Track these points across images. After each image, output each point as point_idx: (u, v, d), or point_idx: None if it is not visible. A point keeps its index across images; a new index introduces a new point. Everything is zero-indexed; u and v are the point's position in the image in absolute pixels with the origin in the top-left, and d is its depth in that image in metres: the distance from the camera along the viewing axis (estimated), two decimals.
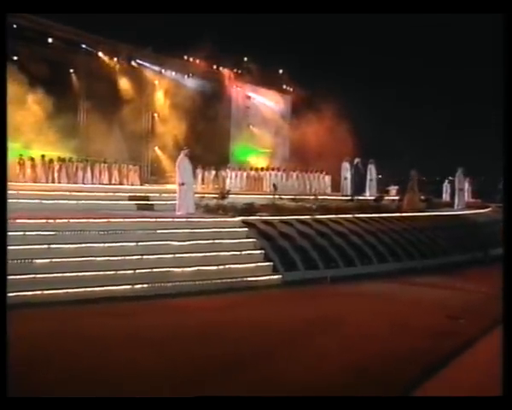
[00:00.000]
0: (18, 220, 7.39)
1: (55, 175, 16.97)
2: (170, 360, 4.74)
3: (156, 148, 21.38)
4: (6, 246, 3.36)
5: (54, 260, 6.92)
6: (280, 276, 8.04)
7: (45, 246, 7.07)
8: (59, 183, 16.55)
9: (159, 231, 8.12)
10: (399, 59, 22.73)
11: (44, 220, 7.59)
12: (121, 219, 8.17)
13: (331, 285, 8.11)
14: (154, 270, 7.37)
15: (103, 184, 17.32)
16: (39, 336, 5.23)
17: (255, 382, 4.26)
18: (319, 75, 21.59)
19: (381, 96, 22.62)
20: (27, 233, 7.16)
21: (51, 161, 17.17)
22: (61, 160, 17.14)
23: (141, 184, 18.13)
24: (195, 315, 6.35)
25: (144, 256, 7.53)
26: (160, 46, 20.30)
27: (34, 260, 6.81)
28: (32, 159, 16.90)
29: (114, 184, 17.43)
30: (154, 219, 8.56)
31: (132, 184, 17.91)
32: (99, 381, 4.22)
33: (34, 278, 6.59)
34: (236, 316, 6.33)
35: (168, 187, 17.16)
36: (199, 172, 18.87)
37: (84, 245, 7.33)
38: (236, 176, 19.56)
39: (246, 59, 23.92)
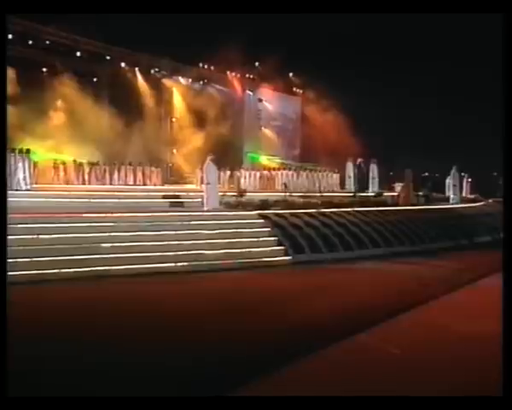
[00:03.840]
0: (85, 215, 9.97)
1: (86, 177, 19.58)
2: (212, 301, 7.29)
3: (174, 150, 23.93)
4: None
5: (115, 244, 9.45)
6: (290, 257, 10.50)
7: (107, 234, 9.60)
8: (89, 184, 19.18)
9: (192, 223, 10.64)
10: (403, 59, 24.61)
11: (104, 214, 10.15)
12: (162, 214, 10.74)
13: (331, 264, 10.55)
14: (191, 252, 9.86)
15: (129, 184, 19.92)
16: (124, 294, 7.79)
17: (272, 316, 6.73)
18: (328, 78, 23.70)
19: (387, 95, 24.52)
20: (93, 224, 9.71)
21: (81, 164, 19.77)
22: (91, 163, 19.73)
23: (162, 185, 20.67)
24: (226, 282, 8.85)
25: (182, 241, 10.02)
26: (176, 55, 22.84)
27: (101, 244, 9.35)
28: (64, 163, 19.52)
29: (139, 185, 20.03)
30: (187, 213, 11.11)
31: (155, 185, 20.45)
32: (166, 312, 6.74)
33: (102, 257, 9.11)
34: (258, 283, 8.85)
35: (186, 187, 19.76)
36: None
37: (136, 233, 9.86)
38: (250, 176, 21.96)
39: (257, 64, 26.34)
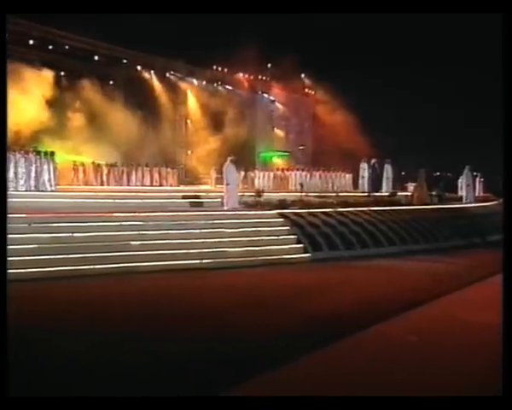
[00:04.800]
0: (113, 214, 10.63)
1: (104, 179, 20.32)
2: (238, 295, 7.88)
3: (189, 152, 24.63)
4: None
5: (143, 242, 10.09)
6: (309, 255, 11.08)
7: (136, 232, 10.25)
8: (107, 185, 19.90)
9: (215, 222, 11.26)
10: (414, 59, 25.01)
11: (132, 214, 10.80)
12: (186, 213, 11.38)
13: (349, 262, 11.11)
14: (214, 249, 10.47)
15: (145, 185, 20.62)
16: (155, 288, 8.42)
17: (294, 309, 7.31)
18: (339, 79, 24.21)
19: (398, 96, 24.95)
20: (123, 223, 10.36)
21: (99, 165, 20.51)
22: (109, 165, 20.46)
23: (178, 186, 21.35)
24: (249, 278, 9.44)
25: (206, 240, 10.64)
26: (191, 58, 23.52)
27: (130, 242, 9.99)
28: (83, 164, 20.26)
29: (155, 186, 20.73)
30: (209, 213, 11.73)
31: (171, 186, 21.15)
32: (194, 305, 7.36)
33: (132, 254, 9.75)
34: (279, 278, 9.44)
35: (202, 187, 20.40)
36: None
37: (162, 232, 10.50)
38: (264, 176, 22.58)
39: (269, 65, 26.99)
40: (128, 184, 20.26)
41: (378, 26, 22.29)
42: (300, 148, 27.95)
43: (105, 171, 20.22)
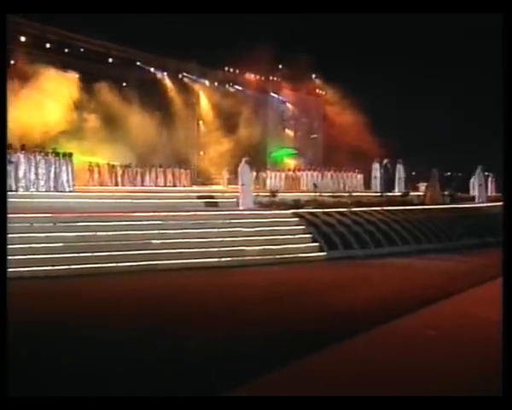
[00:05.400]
0: (134, 214, 11.00)
1: (119, 179, 20.76)
2: (257, 291, 8.21)
3: (201, 153, 25.01)
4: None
5: (163, 240, 10.44)
6: (325, 253, 11.38)
7: (156, 231, 10.61)
8: (122, 185, 20.33)
9: (232, 221, 11.60)
10: (425, 57, 25.17)
11: (151, 213, 11.17)
12: (204, 213, 11.73)
13: (364, 260, 11.40)
14: (232, 248, 10.80)
15: (159, 186, 21.02)
16: (176, 285, 8.76)
17: (312, 304, 7.61)
18: (350, 79, 24.46)
19: (409, 96, 25.13)
20: (144, 222, 10.73)
21: (114, 166, 20.95)
22: (124, 165, 20.89)
23: (190, 186, 21.75)
24: (267, 275, 9.76)
25: (224, 238, 10.97)
26: (203, 59, 23.90)
27: (151, 241, 10.35)
28: (98, 165, 20.71)
29: (169, 186, 21.13)
30: (226, 213, 12.07)
31: (184, 186, 21.56)
32: (215, 301, 7.68)
33: (153, 253, 10.10)
34: (296, 275, 9.75)
35: (213, 188, 20.75)
36: None
37: (181, 231, 10.85)
38: (275, 177, 22.94)
39: (280, 66, 27.30)
40: (142, 185, 20.70)
41: (389, 26, 22.46)
42: (312, 137, 28.24)
43: (119, 172, 20.67)
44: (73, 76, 19.66)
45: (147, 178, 20.95)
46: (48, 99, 17.53)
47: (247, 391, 4.27)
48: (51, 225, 9.85)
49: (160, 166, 21.42)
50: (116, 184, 20.29)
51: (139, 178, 21.04)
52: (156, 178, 21.23)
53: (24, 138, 15.46)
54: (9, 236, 9.36)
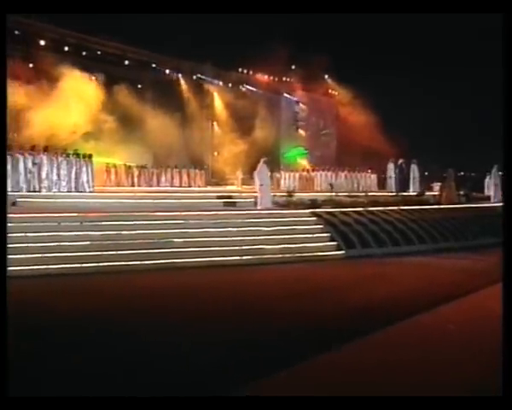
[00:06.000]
0: (157, 213, 11.33)
1: (135, 180, 21.13)
2: (278, 288, 8.47)
3: (215, 153, 25.35)
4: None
5: (186, 239, 10.75)
6: (343, 252, 11.62)
7: (178, 230, 10.92)
8: (138, 186, 20.70)
9: (252, 220, 11.89)
10: (438, 58, 25.27)
11: (173, 213, 11.49)
12: (224, 212, 12.04)
13: (382, 258, 11.62)
14: (252, 246, 11.07)
15: (175, 186, 21.36)
16: (201, 282, 9.07)
17: (333, 300, 7.86)
18: (363, 79, 24.63)
19: (422, 96, 25.24)
20: (165, 222, 11.05)
21: (130, 167, 21.32)
22: (140, 166, 21.26)
23: (205, 186, 22.08)
24: (288, 273, 10.03)
25: (244, 237, 11.25)
26: (217, 61, 24.22)
27: (174, 239, 10.66)
28: (115, 166, 21.09)
29: (184, 187, 21.47)
30: (246, 212, 12.36)
31: (199, 186, 21.89)
32: (239, 297, 7.95)
33: (176, 251, 10.40)
34: (316, 273, 10.01)
35: (227, 188, 21.04)
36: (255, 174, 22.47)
37: (203, 230, 11.14)
38: (289, 177, 23.18)
39: (293, 66, 27.55)
40: (158, 185, 21.06)
41: (402, 26, 22.59)
42: (324, 132, 28.41)
43: (136, 172, 21.04)
44: (91, 78, 20.06)
45: (163, 178, 21.31)
46: (68, 101, 17.93)
47: (268, 384, 4.46)
48: (78, 224, 10.19)
49: (176, 167, 21.78)
50: (132, 185, 20.65)
51: (155, 178, 21.40)
52: (172, 178, 21.57)
53: (47, 140, 15.92)
54: (38, 234, 9.75)
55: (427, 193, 19.08)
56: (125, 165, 20.98)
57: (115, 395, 4.00)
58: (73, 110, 17.92)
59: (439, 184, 21.86)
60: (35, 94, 17.12)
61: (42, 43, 18.94)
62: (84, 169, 15.35)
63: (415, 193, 18.70)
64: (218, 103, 25.26)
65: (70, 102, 17.88)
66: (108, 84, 20.81)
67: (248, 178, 23.36)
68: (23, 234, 9.55)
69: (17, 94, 15.87)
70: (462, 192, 18.16)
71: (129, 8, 5.90)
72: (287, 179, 22.98)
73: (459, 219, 14.31)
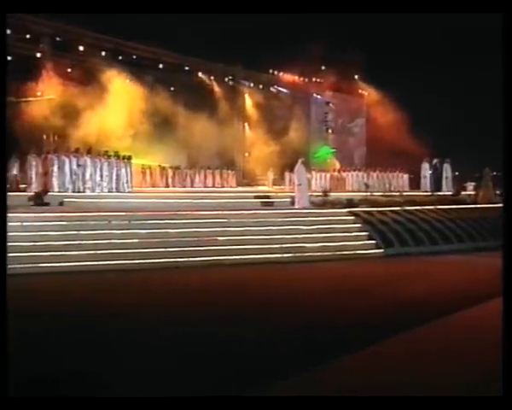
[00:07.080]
0: (199, 212, 11.77)
1: (169, 181, 21.67)
2: (323, 284, 8.78)
3: (247, 154, 25.77)
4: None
5: (229, 237, 11.15)
6: (382, 250, 11.85)
7: (221, 228, 11.33)
8: (172, 187, 21.23)
9: (291, 219, 12.22)
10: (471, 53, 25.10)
11: (213, 212, 11.93)
12: (264, 212, 12.41)
13: (420, 257, 11.80)
14: (293, 244, 11.39)
15: (208, 186, 21.83)
16: (248, 278, 9.43)
17: (377, 296, 8.09)
18: (393, 78, 24.68)
19: (453, 95, 25.12)
20: (209, 220, 11.48)
21: (164, 168, 21.87)
22: (174, 167, 21.80)
23: (236, 187, 22.49)
24: (329, 270, 10.33)
25: (284, 235, 11.59)
26: (248, 62, 24.66)
27: (217, 237, 11.07)
28: (150, 167, 21.67)
29: (217, 187, 21.92)
30: (284, 211, 12.71)
31: (231, 187, 22.31)
32: (286, 292, 8.27)
33: (219, 249, 10.80)
34: (357, 271, 10.28)
35: (259, 188, 21.40)
36: (286, 174, 22.82)
37: (244, 228, 11.53)
38: (321, 177, 23.39)
39: (323, 67, 27.80)
40: (192, 186, 21.56)
41: (433, 25, 22.60)
42: (350, 125, 28.49)
43: (170, 173, 21.59)
44: (127, 81, 20.70)
45: (196, 179, 21.81)
46: (107, 104, 18.58)
47: (318, 373, 4.68)
48: (126, 222, 10.68)
49: (209, 168, 22.26)
50: (167, 186, 21.20)
51: (189, 179, 21.91)
52: (205, 179, 22.05)
53: (96, 142, 16.61)
54: (88, 232, 10.26)
55: (462, 193, 19.09)
56: (159, 166, 21.55)
57: (115, 396, 4.00)
58: (117, 114, 18.56)
59: (473, 183, 21.83)
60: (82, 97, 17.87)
61: (80, 48, 19.64)
62: (123, 170, 15.92)
63: (450, 193, 18.73)
64: (249, 105, 25.69)
65: (114, 106, 18.53)
66: (142, 88, 21.44)
67: (279, 179, 23.74)
68: (76, 232, 10.09)
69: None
70: (498, 192, 18.10)
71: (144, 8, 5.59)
72: (318, 180, 23.17)
73: (497, 219, 14.34)
